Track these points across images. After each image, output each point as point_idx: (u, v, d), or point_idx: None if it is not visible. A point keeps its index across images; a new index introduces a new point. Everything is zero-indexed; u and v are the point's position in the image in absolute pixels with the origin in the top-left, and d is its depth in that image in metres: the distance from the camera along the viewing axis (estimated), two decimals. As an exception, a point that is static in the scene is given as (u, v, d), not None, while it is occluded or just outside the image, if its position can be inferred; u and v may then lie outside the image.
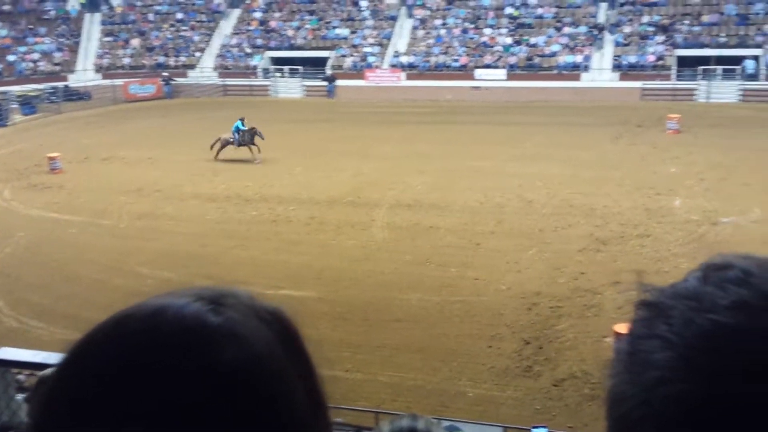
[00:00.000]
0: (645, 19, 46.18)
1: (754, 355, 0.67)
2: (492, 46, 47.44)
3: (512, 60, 46.14)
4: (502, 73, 45.60)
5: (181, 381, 0.78)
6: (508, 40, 47.62)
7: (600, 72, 44.17)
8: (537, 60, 45.83)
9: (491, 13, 49.54)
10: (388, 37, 50.38)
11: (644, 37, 45.25)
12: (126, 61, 53.46)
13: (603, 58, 44.92)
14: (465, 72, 46.16)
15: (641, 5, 47.09)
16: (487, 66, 46.08)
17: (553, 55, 45.84)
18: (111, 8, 57.60)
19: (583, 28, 46.93)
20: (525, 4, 49.59)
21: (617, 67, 44.19)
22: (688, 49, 43.57)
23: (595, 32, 45.66)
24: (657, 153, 28.86)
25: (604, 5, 47.84)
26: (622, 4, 47.48)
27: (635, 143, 30.91)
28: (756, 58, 42.16)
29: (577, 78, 44.24)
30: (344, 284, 17.11)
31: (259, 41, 52.74)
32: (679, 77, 42.68)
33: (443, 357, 13.79)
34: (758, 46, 42.64)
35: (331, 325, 14.90)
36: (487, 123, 35.78)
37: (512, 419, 11.56)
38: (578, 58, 45.03)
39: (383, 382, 13.09)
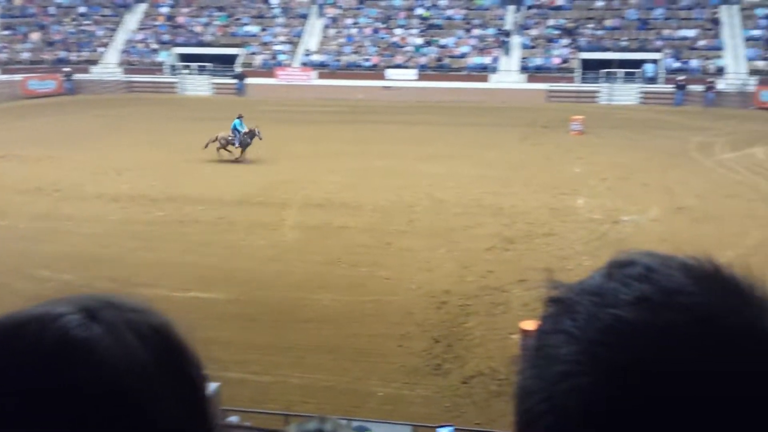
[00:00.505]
0: (551, 22, 47.35)
1: (654, 350, 0.68)
2: (403, 47, 47.76)
3: (423, 60, 46.55)
4: (412, 73, 45.96)
5: (29, 400, 0.76)
6: (419, 41, 48.02)
7: (508, 73, 45.04)
8: (447, 61, 46.37)
9: (402, 14, 49.87)
10: (299, 35, 50.10)
11: (550, 40, 46.38)
12: (25, 55, 51.37)
13: (510, 60, 45.84)
14: (376, 71, 46.32)
15: (547, 9, 48.25)
16: (398, 66, 46.37)
17: (463, 56, 46.48)
18: (9, 0, 55.26)
19: (491, 30, 47.75)
20: (435, 6, 50.09)
21: (524, 69, 45.15)
22: (592, 52, 44.90)
23: (503, 37, 46.48)
24: (562, 153, 29.63)
25: (511, 8, 48.79)
26: (528, 7, 48.54)
27: (541, 143, 31.66)
28: (655, 61, 43.79)
29: (485, 79, 44.99)
30: (254, 285, 16.88)
31: (166, 37, 51.58)
32: (583, 80, 43.92)
33: (354, 357, 13.77)
34: (657, 50, 44.31)
35: (240, 326, 14.68)
36: (398, 123, 36.00)
37: (422, 418, 11.63)
38: (487, 60, 45.79)
39: (293, 384, 12.96)
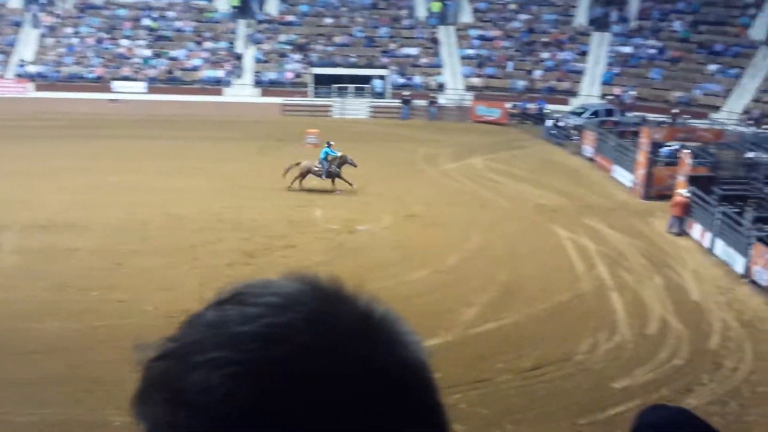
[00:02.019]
0: (282, 37, 47.93)
1: (212, 330, 0.83)
2: (130, 58, 45.81)
3: (152, 73, 44.97)
4: (141, 86, 44.21)
5: None
6: (147, 53, 46.34)
7: (242, 87, 44.90)
8: (178, 74, 45.20)
9: (128, 24, 47.81)
10: (12, 45, 46.16)
11: (282, 54, 46.94)
12: None
13: (244, 73, 45.75)
14: (102, 84, 43.94)
15: (278, 24, 48.80)
16: (126, 78, 44.38)
17: (195, 69, 45.58)
18: None
19: (223, 44, 47.31)
20: (163, 17, 48.64)
21: (258, 83, 45.25)
22: (323, 67, 46.09)
23: (235, 62, 46.05)
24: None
25: (243, 22, 48.72)
26: (259, 22, 48.79)
27: (278, 157, 31.82)
28: (383, 77, 45.96)
29: (219, 93, 44.46)
30: (-33, 318, 15.19)
31: None
32: (316, 94, 44.95)
33: (87, 387, 12.87)
34: (384, 66, 46.53)
35: (-48, 365, 13.13)
36: (129, 137, 34.37)
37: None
38: (220, 73, 45.29)
39: (20, 422, 11.85)
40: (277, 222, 22.54)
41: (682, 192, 24.16)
